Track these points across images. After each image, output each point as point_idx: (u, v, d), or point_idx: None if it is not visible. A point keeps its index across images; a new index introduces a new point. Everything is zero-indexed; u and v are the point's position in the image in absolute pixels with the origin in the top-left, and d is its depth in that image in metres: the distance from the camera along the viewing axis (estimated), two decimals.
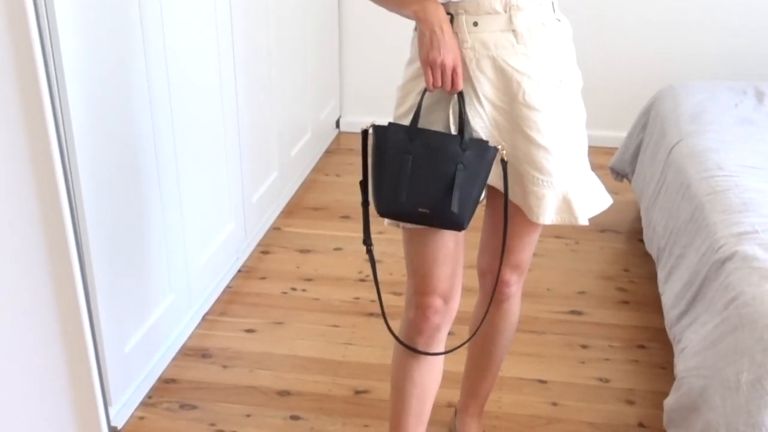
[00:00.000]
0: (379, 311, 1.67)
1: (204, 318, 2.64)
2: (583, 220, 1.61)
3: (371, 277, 1.65)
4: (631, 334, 2.60)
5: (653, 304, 2.70)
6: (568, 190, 1.60)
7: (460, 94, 1.52)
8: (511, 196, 1.62)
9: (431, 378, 1.73)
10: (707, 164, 2.47)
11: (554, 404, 2.27)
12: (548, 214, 1.60)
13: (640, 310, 2.72)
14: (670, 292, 2.28)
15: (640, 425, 2.20)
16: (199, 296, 2.63)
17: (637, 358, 2.48)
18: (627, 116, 3.74)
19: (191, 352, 2.47)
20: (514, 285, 1.82)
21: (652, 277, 2.67)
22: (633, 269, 2.98)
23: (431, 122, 1.56)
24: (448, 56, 1.48)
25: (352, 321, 2.63)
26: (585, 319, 2.67)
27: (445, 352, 1.71)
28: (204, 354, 2.47)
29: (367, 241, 1.63)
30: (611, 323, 2.65)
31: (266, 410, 2.23)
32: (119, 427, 2.15)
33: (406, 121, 1.55)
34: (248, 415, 2.21)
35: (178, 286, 2.44)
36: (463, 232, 1.61)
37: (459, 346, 1.73)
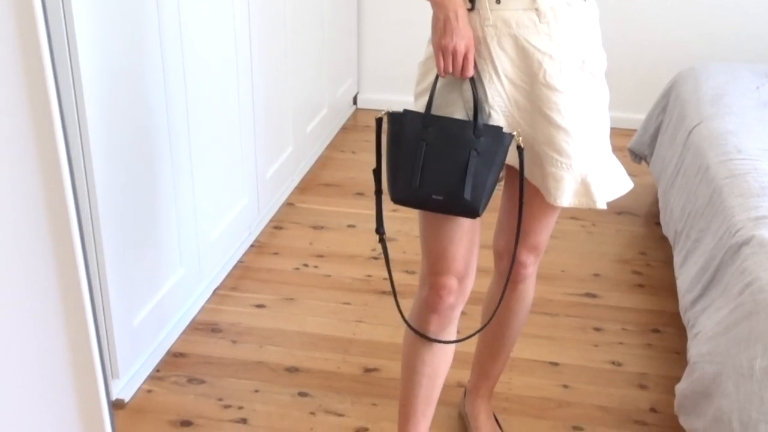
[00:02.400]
0: (391, 290, 1.65)
1: (214, 293, 2.63)
2: (602, 204, 1.58)
3: (384, 256, 1.63)
4: (645, 318, 2.57)
5: (669, 288, 2.67)
6: (587, 173, 1.57)
7: (473, 80, 1.50)
8: (529, 177, 1.60)
9: (442, 359, 1.71)
10: (726, 147, 2.43)
11: (565, 387, 2.25)
12: (566, 197, 1.57)
13: (656, 294, 2.68)
14: (685, 276, 2.24)
15: (652, 410, 2.17)
16: (210, 271, 2.62)
17: (650, 342, 2.45)
18: (646, 98, 3.68)
19: (201, 327, 2.47)
20: (531, 266, 1.79)
21: (669, 261, 2.64)
22: (650, 253, 2.94)
23: (449, 102, 1.53)
24: (461, 43, 1.45)
25: (363, 299, 2.62)
26: (599, 302, 2.64)
27: (458, 341, 1.70)
28: (213, 329, 2.46)
29: (379, 229, 1.63)
30: (626, 307, 2.62)
31: (274, 386, 2.23)
32: (126, 399, 2.15)
33: (425, 99, 1.53)
34: (256, 391, 2.21)
35: (189, 260, 2.43)
36: None
37: (473, 335, 1.70)
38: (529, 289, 1.86)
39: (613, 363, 2.35)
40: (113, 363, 2.08)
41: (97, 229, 1.94)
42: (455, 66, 1.47)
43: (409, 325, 1.68)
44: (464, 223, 1.58)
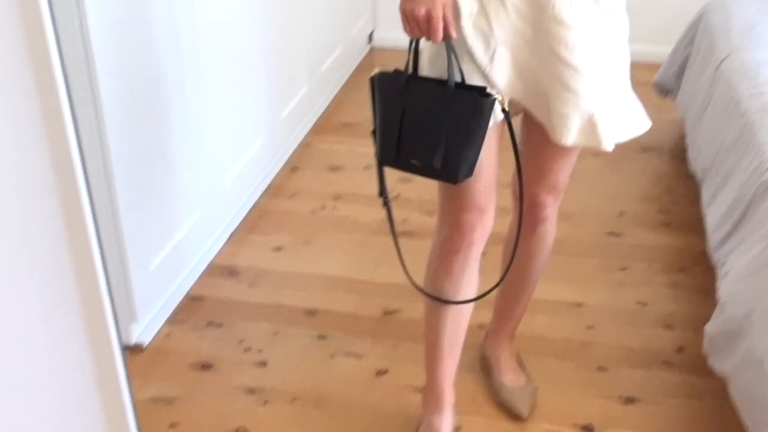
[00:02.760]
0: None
1: (231, 236, 2.60)
2: (608, 145, 1.49)
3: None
4: (671, 257, 2.51)
5: (696, 226, 2.60)
6: (594, 111, 1.48)
7: (449, 45, 1.41)
8: (536, 113, 1.53)
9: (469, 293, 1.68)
10: (758, 80, 2.33)
11: (589, 328, 2.20)
12: (571, 135, 1.48)
13: (682, 233, 2.62)
14: (714, 214, 2.17)
15: (679, 350, 2.13)
16: (227, 214, 2.58)
17: (677, 281, 2.39)
18: (673, 29, 3.55)
19: (218, 270, 2.44)
20: (550, 207, 1.73)
21: (696, 199, 2.56)
22: (676, 190, 2.87)
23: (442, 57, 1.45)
24: (421, 8, 1.36)
25: (382, 241, 2.57)
26: (624, 240, 2.58)
27: (476, 299, 1.66)
28: (231, 272, 2.43)
29: (383, 193, 1.58)
30: (651, 246, 2.56)
31: (293, 329, 2.20)
32: (145, 343, 2.13)
33: (439, 60, 1.46)
34: (275, 334, 2.18)
35: (204, 203, 2.39)
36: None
37: (491, 290, 1.65)
38: (550, 231, 1.79)
39: (639, 303, 2.30)
40: (131, 306, 2.06)
41: (110, 173, 1.89)
42: (421, 31, 1.39)
43: (420, 290, 1.66)
44: (483, 158, 1.51)
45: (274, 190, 2.87)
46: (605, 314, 2.25)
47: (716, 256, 2.05)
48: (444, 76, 1.42)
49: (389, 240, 2.54)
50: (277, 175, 2.95)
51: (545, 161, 1.62)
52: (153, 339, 2.15)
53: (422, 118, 1.43)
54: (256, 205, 2.76)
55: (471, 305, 1.70)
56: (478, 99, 1.41)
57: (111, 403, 1.27)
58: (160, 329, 2.19)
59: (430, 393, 1.80)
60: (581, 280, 2.39)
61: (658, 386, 2.00)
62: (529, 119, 1.61)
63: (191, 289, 2.35)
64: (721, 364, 1.75)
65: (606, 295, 2.33)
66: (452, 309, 1.67)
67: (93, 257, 1.05)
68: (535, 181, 1.67)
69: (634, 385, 2.00)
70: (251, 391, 1.99)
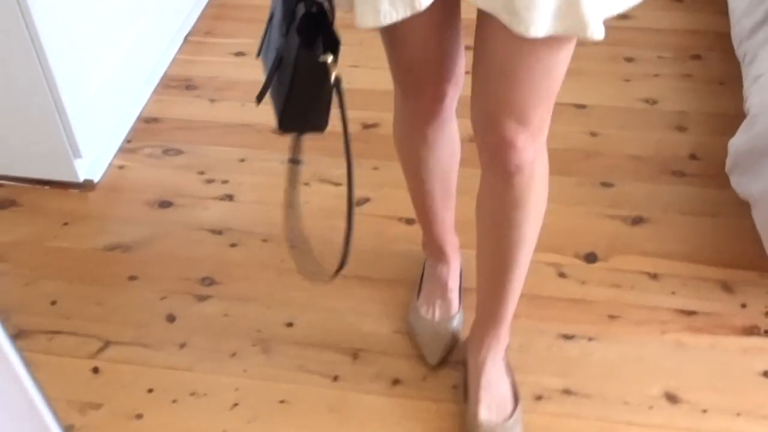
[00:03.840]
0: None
1: (186, 40, 2.28)
2: (596, 32, 0.94)
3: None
4: (684, 41, 2.21)
5: (713, 3, 2.28)
6: None
7: None
8: (483, 5, 0.98)
9: (451, 153, 1.40)
10: None
11: (593, 134, 1.97)
12: (541, 22, 0.94)
13: (698, 11, 2.30)
14: None
15: (692, 157, 1.90)
16: (178, 14, 2.24)
17: (690, 71, 2.12)
18: None
19: (173, 84, 2.15)
20: (524, 148, 1.12)
21: None
22: None
23: None
24: None
25: (359, 36, 2.25)
26: (632, 24, 2.27)
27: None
28: (188, 85, 2.15)
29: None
30: (662, 28, 2.25)
31: (262, 153, 1.96)
32: (96, 179, 1.90)
33: None
34: (242, 160, 1.94)
35: (149, 4, 2.05)
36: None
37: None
38: (531, 184, 1.18)
39: (647, 101, 2.04)
40: (71, 139, 1.80)
41: None
42: None
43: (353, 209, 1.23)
44: (437, 32, 1.14)
45: None
46: (611, 117, 2.01)
47: (743, 49, 1.77)
48: None
49: (367, 36, 2.22)
50: None
51: (506, 75, 1.05)
52: (105, 173, 1.92)
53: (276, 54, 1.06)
54: (211, 2, 2.41)
55: (457, 154, 1.42)
56: (303, 51, 1.01)
57: None
58: (112, 161, 1.95)
59: (429, 244, 1.59)
60: (584, 76, 2.11)
61: (669, 202, 1.80)
62: (482, 16, 1.07)
63: (143, 110, 2.08)
64: (745, 187, 1.54)
65: (611, 93, 2.07)
66: (438, 170, 1.40)
67: None
68: (499, 107, 1.09)
69: (642, 203, 1.80)
70: (217, 231, 1.79)
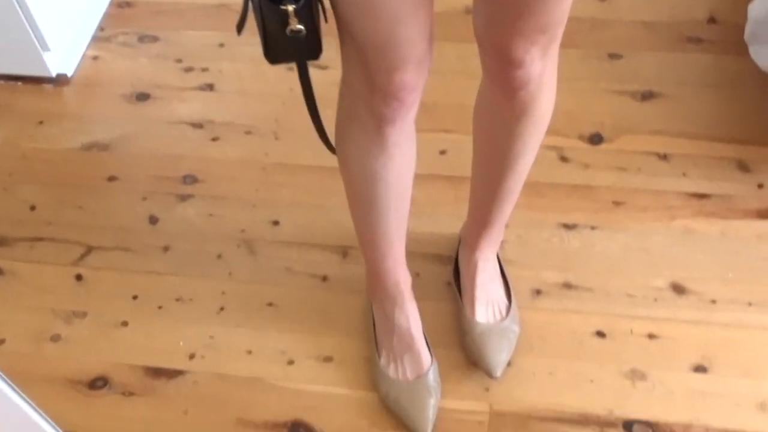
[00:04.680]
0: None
1: None
2: None
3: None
4: None
5: None
6: None
7: None
8: None
9: (408, 167, 1.14)
10: None
11: (601, 0, 1.80)
12: None
13: None
14: None
15: (710, 20, 1.74)
16: None
17: None
18: None
19: None
20: (532, 64, 1.00)
21: None
22: None
23: None
24: None
25: None
26: None
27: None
28: None
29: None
30: None
31: (242, 36, 1.82)
32: (70, 73, 1.79)
33: None
34: (221, 45, 1.82)
35: None
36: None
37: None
38: (537, 101, 1.08)
39: None
40: (35, 30, 1.68)
41: None
42: None
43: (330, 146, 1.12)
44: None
45: None
46: None
47: None
48: None
49: None
50: None
51: None
52: (79, 66, 1.81)
53: None
54: None
55: (412, 165, 1.15)
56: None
57: None
58: (85, 52, 1.83)
59: (378, 286, 1.32)
60: None
61: (683, 73, 1.66)
62: None
63: None
64: (765, 59, 1.40)
65: None
66: (393, 188, 1.14)
67: None
68: (506, 23, 0.95)
69: (653, 75, 1.66)
70: (198, 125, 1.68)
